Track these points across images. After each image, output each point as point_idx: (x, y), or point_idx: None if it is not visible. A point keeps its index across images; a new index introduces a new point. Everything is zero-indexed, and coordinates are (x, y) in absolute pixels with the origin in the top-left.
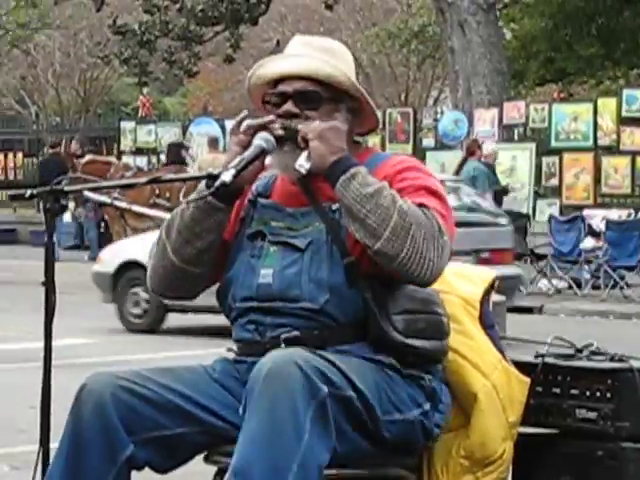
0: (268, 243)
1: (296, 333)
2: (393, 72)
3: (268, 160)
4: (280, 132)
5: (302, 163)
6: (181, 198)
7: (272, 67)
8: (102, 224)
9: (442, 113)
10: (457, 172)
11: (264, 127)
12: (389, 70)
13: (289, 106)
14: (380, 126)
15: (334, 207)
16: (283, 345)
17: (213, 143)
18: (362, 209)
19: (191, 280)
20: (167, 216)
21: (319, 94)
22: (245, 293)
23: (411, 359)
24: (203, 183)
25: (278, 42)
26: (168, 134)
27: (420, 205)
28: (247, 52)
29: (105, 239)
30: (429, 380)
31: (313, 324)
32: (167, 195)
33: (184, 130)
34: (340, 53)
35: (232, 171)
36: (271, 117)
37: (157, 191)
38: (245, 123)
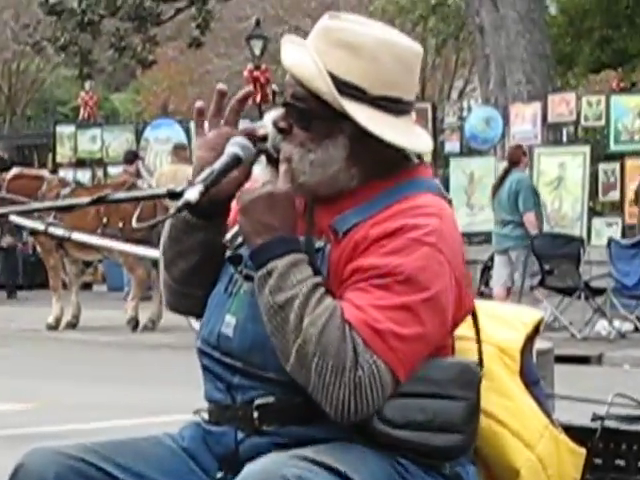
0: (242, 278)
1: (270, 399)
2: None
3: (257, 170)
4: (262, 132)
5: (228, 237)
6: (134, 224)
7: (283, 53)
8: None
9: (469, 109)
10: (497, 187)
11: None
12: None
13: (278, 117)
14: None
15: (318, 245)
16: (256, 414)
17: (178, 152)
18: (269, 322)
19: (195, 301)
20: (118, 245)
21: (310, 113)
22: (209, 337)
23: (409, 456)
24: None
25: (258, 21)
26: (118, 140)
27: (345, 321)
28: (218, 35)
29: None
30: (451, 466)
31: (288, 393)
32: (119, 224)
33: (138, 135)
34: (370, 51)
35: (199, 187)
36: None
37: (105, 219)
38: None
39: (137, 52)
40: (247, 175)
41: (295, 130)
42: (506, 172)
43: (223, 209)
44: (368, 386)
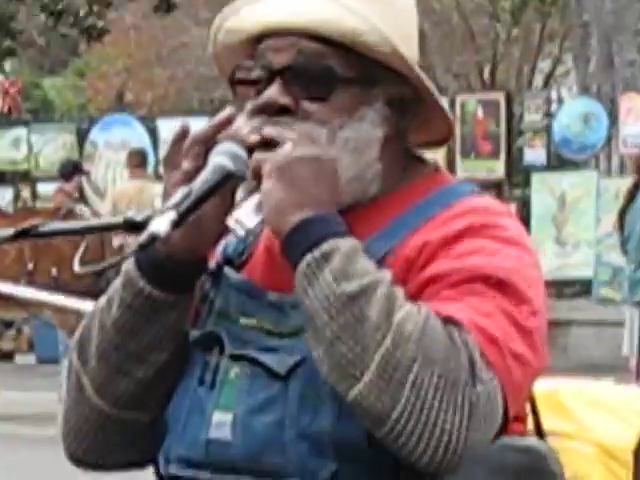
0: (228, 360)
1: None
2: (468, 27)
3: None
4: (255, 138)
5: (241, 217)
6: (76, 267)
7: (252, 15)
8: None
9: (560, 102)
10: (624, 211)
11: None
12: (461, 23)
13: (274, 92)
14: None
15: None
16: None
17: (137, 161)
18: (331, 324)
19: (139, 434)
20: (52, 299)
21: (332, 70)
22: (189, 452)
23: None
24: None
25: None
26: (52, 145)
27: (448, 320)
28: None
29: None
30: None
31: None
32: (53, 270)
33: (81, 138)
34: None
35: (170, 215)
36: (239, 119)
37: (31, 264)
38: (191, 135)
39: (80, 18)
40: (230, 202)
41: (306, 106)
42: (635, 188)
43: (197, 275)
44: (483, 410)
